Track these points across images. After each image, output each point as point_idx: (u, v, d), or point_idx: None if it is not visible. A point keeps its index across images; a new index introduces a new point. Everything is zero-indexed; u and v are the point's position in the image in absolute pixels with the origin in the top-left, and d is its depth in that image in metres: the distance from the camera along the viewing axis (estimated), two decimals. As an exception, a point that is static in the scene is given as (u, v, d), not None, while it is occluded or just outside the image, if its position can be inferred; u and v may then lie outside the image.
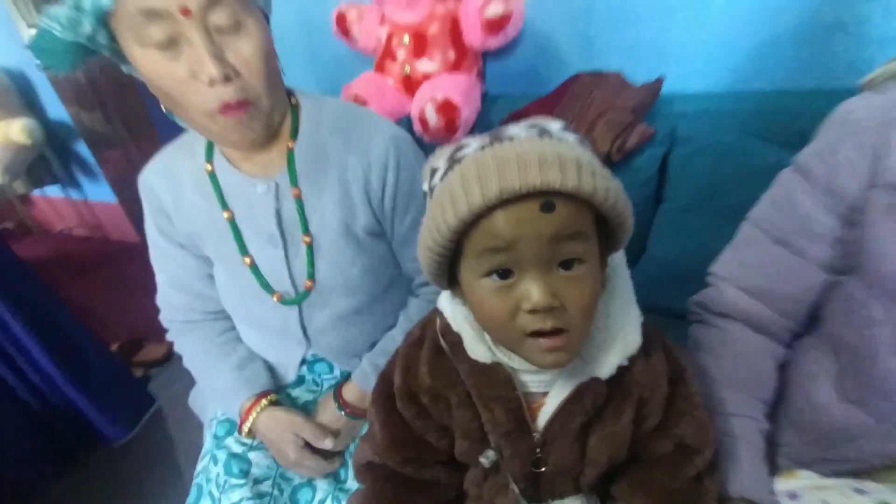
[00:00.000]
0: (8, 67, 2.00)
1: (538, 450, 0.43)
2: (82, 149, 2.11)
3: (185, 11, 0.46)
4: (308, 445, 0.64)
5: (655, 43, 1.04)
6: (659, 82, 0.98)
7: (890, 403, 0.42)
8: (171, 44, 0.48)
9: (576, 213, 0.35)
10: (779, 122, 0.85)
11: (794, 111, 0.85)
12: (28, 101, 2.05)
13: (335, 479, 0.69)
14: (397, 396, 0.47)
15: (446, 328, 0.43)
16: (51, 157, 2.14)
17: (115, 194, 2.08)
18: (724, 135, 0.91)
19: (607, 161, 0.92)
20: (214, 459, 0.67)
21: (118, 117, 1.71)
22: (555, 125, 0.39)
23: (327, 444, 0.64)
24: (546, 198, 0.34)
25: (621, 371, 0.41)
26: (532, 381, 0.42)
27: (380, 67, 1.09)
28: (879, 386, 0.42)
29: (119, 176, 2.04)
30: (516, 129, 0.37)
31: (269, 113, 0.55)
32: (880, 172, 0.44)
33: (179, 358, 0.74)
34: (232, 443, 0.68)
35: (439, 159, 0.39)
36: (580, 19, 1.07)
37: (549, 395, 0.42)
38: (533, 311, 0.35)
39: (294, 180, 0.61)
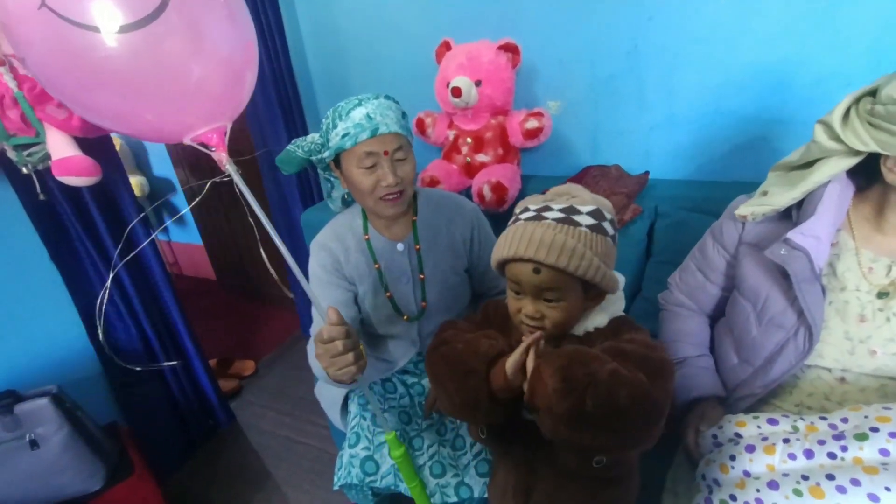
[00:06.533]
0: (128, 139, 2.46)
1: None
2: (176, 200, 2.55)
3: (386, 153, 0.85)
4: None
5: (643, 148, 1.42)
6: (646, 175, 1.33)
7: (758, 357, 0.77)
8: (372, 166, 0.86)
9: (556, 276, 0.56)
10: (723, 203, 0.96)
11: (733, 196, 0.98)
12: (138, 163, 2.51)
13: (438, 433, 1.01)
14: (482, 317, 0.79)
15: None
16: (144, 204, 2.58)
17: (201, 238, 2.49)
18: (688, 212, 1.23)
19: (611, 228, 1.31)
20: (363, 417, 0.98)
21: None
22: (585, 209, 0.59)
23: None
24: (536, 265, 0.57)
25: (588, 334, 0.66)
26: None
27: (447, 157, 1.51)
28: (751, 347, 0.78)
29: (205, 223, 2.46)
30: (552, 212, 0.59)
31: (407, 199, 0.92)
32: (742, 236, 0.83)
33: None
34: (372, 409, 1.03)
35: (518, 209, 0.65)
36: (589, 130, 1.47)
37: None
38: (526, 316, 0.62)
39: (416, 241, 1.00)
